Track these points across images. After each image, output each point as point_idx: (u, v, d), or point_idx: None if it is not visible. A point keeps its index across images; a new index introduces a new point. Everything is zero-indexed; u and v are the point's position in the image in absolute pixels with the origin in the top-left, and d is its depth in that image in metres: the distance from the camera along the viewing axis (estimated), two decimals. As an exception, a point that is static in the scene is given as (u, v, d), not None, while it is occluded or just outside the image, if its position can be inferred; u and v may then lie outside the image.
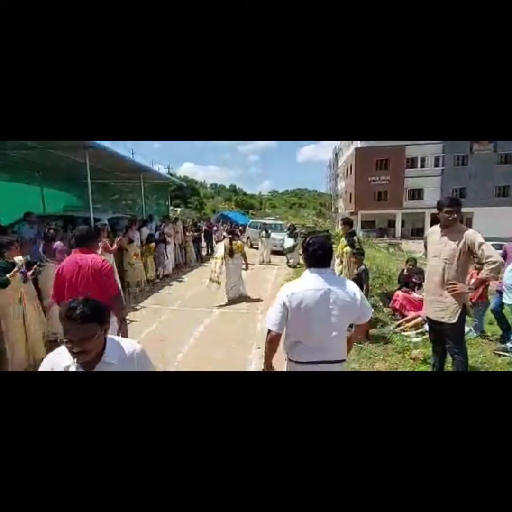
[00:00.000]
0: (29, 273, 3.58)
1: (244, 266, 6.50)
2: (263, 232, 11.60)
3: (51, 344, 4.23)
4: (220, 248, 6.57)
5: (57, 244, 4.41)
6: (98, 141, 5.86)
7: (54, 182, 8.73)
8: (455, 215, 2.68)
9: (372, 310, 2.08)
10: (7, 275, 3.28)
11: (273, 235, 12.13)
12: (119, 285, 3.75)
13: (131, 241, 6.63)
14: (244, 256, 6.51)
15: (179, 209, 29.65)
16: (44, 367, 1.44)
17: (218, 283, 6.25)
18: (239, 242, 6.68)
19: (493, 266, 2.51)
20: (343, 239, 5.07)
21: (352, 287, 1.85)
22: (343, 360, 1.88)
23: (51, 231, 4.66)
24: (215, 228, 14.06)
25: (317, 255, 1.83)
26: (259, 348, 4.14)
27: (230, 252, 6.30)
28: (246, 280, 6.88)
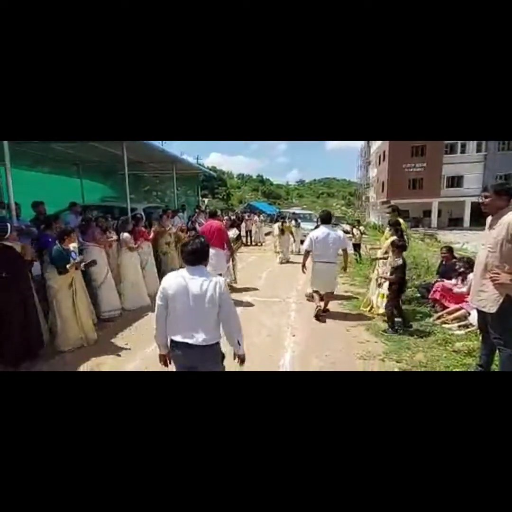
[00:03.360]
0: (82, 264, 3.80)
1: (292, 240, 9.93)
2: (293, 222, 11.47)
3: (104, 323, 4.47)
4: (275, 229, 9.86)
5: (93, 229, 4.66)
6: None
7: (91, 174, 9.11)
8: (482, 200, 2.69)
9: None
10: (68, 266, 3.51)
11: (302, 224, 11.96)
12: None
13: (163, 229, 6.76)
14: (291, 233, 9.86)
15: (207, 200, 29.96)
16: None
17: (279, 252, 9.53)
18: (287, 223, 9.91)
19: None
20: (387, 229, 4.94)
21: (339, 232, 4.80)
22: (335, 263, 4.68)
23: (83, 222, 4.87)
24: (247, 217, 14.36)
25: (324, 218, 4.85)
26: (294, 336, 4.15)
27: (281, 231, 9.51)
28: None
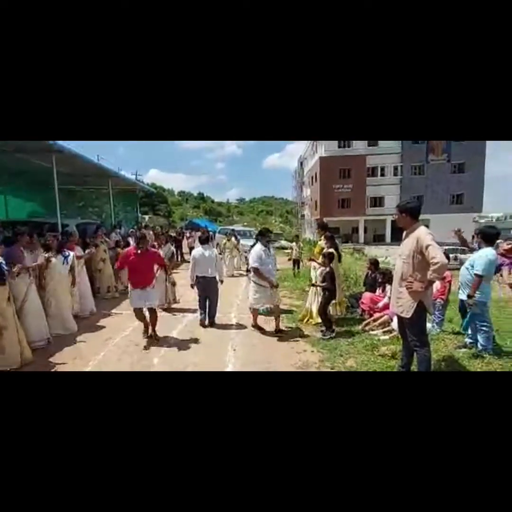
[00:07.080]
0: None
1: (234, 253, 11.14)
2: (233, 239, 11.64)
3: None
4: (221, 242, 11.63)
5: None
6: (65, 145, 5.71)
7: (17, 188, 8.32)
8: (394, 217, 3.11)
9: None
10: None
11: (242, 241, 12.18)
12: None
13: (95, 245, 6.44)
14: (236, 248, 11.33)
15: (147, 216, 29.00)
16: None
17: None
18: (233, 239, 11.31)
19: (435, 267, 2.59)
20: (320, 242, 5.30)
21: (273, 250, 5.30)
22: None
23: (17, 236, 4.36)
24: (188, 234, 14.32)
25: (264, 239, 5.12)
26: (235, 350, 4.24)
27: (224, 244, 11.25)
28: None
